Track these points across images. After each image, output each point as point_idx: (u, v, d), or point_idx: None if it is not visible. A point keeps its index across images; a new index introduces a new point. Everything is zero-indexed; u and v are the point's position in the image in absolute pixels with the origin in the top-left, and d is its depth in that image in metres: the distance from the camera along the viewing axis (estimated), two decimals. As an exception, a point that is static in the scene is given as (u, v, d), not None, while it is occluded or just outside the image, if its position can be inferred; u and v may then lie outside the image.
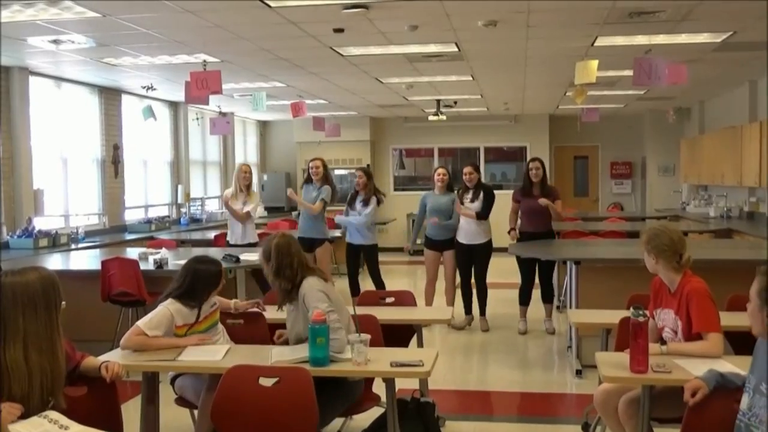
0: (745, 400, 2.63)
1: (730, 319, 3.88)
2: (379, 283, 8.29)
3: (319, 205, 8.00)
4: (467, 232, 7.94)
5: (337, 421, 4.22)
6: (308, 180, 8.28)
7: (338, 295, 3.95)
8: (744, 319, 3.64)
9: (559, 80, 10.22)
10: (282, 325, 4.15)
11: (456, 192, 8.15)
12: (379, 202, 8.33)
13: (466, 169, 8.06)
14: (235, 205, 7.95)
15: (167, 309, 3.90)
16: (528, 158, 15.32)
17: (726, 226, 10.08)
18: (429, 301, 8.15)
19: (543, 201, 7.73)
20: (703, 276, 3.73)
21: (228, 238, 8.25)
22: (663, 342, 3.66)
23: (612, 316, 4.26)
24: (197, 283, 3.98)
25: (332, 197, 8.15)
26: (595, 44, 7.47)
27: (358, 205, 8.24)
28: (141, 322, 3.83)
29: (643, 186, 15.77)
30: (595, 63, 6.90)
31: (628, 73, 8.87)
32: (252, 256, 6.95)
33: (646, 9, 6.13)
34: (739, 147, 10.50)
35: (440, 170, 8.20)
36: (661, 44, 7.33)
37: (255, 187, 8.69)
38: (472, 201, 7.94)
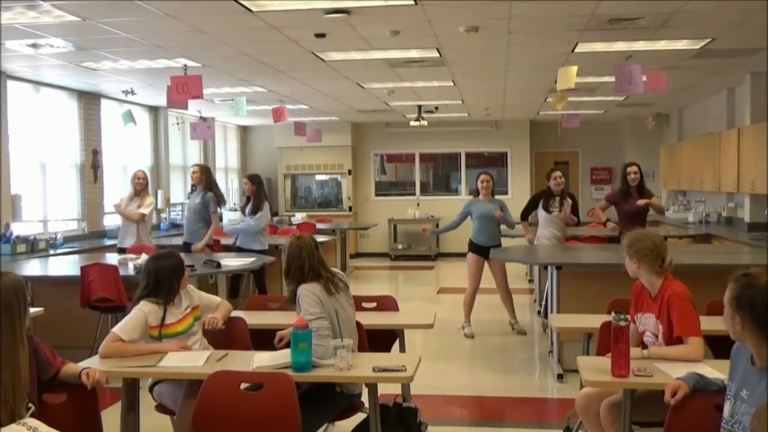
0: (727, 408, 2.65)
1: (709, 324, 3.91)
2: (261, 287, 8.19)
3: (215, 219, 8.37)
4: (560, 241, 7.96)
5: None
6: (193, 187, 8.51)
7: (345, 303, 3.94)
8: (723, 323, 3.68)
9: (540, 86, 10.28)
10: (271, 330, 4.15)
11: (546, 200, 7.98)
12: (262, 209, 8.24)
13: (557, 173, 7.93)
14: (128, 208, 8.10)
15: (140, 311, 3.88)
16: (508, 163, 15.62)
17: (705, 231, 10.17)
18: (468, 312, 8.02)
19: (642, 201, 7.71)
20: (683, 281, 3.75)
21: (119, 245, 8.24)
22: (644, 346, 3.68)
23: (593, 321, 4.28)
24: (160, 278, 3.96)
25: (219, 202, 8.40)
26: (576, 50, 7.52)
27: (249, 212, 8.26)
28: (116, 328, 3.80)
29: (622, 192, 15.86)
30: (574, 69, 6.95)
31: (608, 79, 8.96)
32: (233, 262, 6.93)
33: (626, 16, 6.18)
34: (717, 153, 10.61)
35: (483, 177, 8.04)
36: (641, 51, 7.39)
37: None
38: (561, 210, 7.88)
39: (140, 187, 8.18)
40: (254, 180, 8.38)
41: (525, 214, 8.17)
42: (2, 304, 2.75)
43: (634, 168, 7.81)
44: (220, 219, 9.42)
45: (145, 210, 8.10)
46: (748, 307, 2.48)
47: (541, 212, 8.00)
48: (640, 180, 7.80)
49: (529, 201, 8.13)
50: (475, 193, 8.20)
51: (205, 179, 8.36)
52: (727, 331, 2.65)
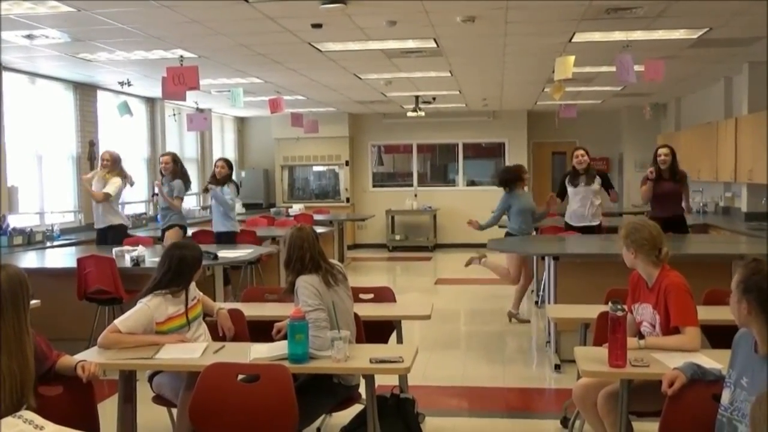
0: (726, 395, 2.65)
1: (707, 313, 3.91)
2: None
3: (177, 202, 8.51)
4: (581, 215, 8.00)
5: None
6: (162, 174, 8.68)
7: (344, 295, 3.94)
8: (721, 313, 3.68)
9: (538, 76, 10.26)
10: (269, 321, 4.15)
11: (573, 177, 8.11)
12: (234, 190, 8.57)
13: (579, 152, 8.11)
14: (94, 187, 8.13)
15: (146, 306, 3.83)
16: (506, 154, 15.60)
17: (702, 221, 10.16)
18: (518, 302, 8.02)
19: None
20: (680, 271, 3.74)
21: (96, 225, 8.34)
22: (641, 336, 3.68)
23: (590, 311, 4.27)
24: (183, 267, 3.94)
25: (185, 188, 8.59)
26: (573, 40, 7.50)
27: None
28: (118, 320, 3.78)
29: (620, 182, 15.87)
30: (572, 59, 6.94)
31: (606, 69, 8.96)
32: (230, 254, 6.92)
33: (623, 5, 6.16)
34: (714, 143, 10.60)
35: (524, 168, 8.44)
36: (638, 40, 7.37)
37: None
38: (588, 184, 7.98)
39: (107, 169, 8.17)
40: (230, 164, 8.69)
41: (560, 195, 8.29)
42: (8, 294, 2.77)
43: (665, 150, 7.80)
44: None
45: (109, 189, 8.07)
46: (755, 291, 2.48)
47: (569, 188, 8.13)
48: (671, 162, 7.73)
49: (560, 182, 8.33)
50: (513, 186, 8.17)
51: (175, 167, 8.56)
52: (724, 320, 2.65)
